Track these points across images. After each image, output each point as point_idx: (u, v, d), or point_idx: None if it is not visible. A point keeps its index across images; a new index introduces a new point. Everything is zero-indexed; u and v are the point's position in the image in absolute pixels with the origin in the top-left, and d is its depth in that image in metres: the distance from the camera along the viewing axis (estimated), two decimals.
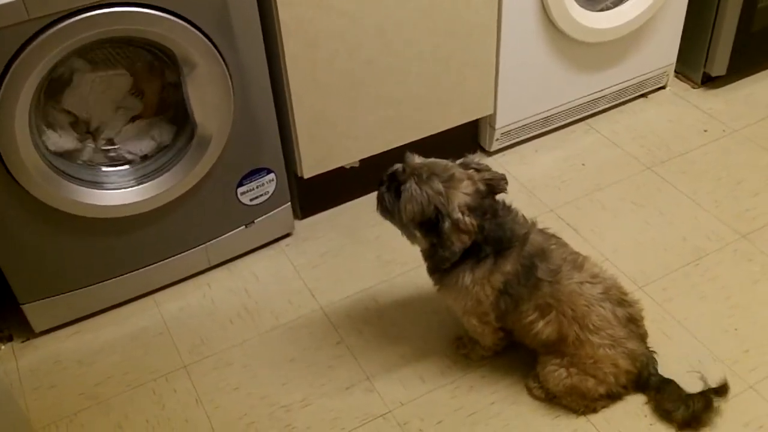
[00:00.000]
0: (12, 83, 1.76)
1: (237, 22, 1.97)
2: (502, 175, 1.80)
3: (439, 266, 1.79)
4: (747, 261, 2.28)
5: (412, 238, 1.82)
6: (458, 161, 1.80)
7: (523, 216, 1.87)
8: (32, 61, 1.75)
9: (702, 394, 1.82)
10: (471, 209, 1.72)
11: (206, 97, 2.02)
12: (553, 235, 1.89)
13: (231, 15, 1.95)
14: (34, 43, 1.74)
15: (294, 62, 2.13)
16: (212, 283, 2.34)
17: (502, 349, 2.03)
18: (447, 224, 1.71)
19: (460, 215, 1.71)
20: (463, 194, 1.72)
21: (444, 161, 1.77)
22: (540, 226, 1.89)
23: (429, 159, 1.78)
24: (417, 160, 1.78)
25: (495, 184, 1.77)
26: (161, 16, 1.84)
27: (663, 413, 1.86)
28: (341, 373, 2.07)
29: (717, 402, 1.83)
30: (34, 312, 2.15)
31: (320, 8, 2.08)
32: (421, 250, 1.88)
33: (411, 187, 1.72)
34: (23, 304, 2.12)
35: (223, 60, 1.98)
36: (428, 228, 1.75)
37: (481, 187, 1.75)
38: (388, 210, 1.80)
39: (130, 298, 2.28)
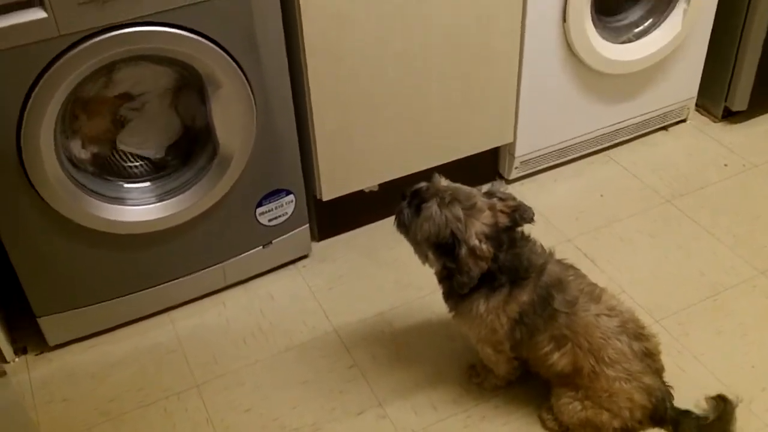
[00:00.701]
0: (39, 98, 1.78)
1: (262, 43, 1.98)
2: (528, 206, 1.79)
3: (457, 291, 1.79)
4: (765, 297, 2.27)
5: (423, 257, 1.82)
6: (484, 189, 1.80)
7: (542, 246, 1.87)
8: (60, 76, 1.77)
9: (718, 419, 1.81)
10: (488, 237, 1.73)
11: (230, 117, 2.03)
12: (571, 266, 1.89)
13: (257, 36, 1.96)
14: (63, 58, 1.75)
15: (317, 83, 2.14)
16: (228, 302, 2.34)
17: (516, 379, 2.02)
18: (464, 251, 1.71)
19: (477, 242, 1.71)
20: (481, 224, 1.72)
21: (469, 188, 1.78)
22: (557, 256, 1.88)
23: (455, 184, 1.79)
24: (443, 182, 1.78)
25: (521, 213, 1.77)
26: (189, 37, 1.86)
27: None
28: (353, 397, 2.06)
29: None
30: (50, 325, 2.15)
31: (345, 29, 2.10)
32: (436, 274, 1.88)
33: (432, 207, 1.73)
34: (39, 316, 2.13)
35: (248, 80, 2.00)
36: (442, 251, 1.75)
37: (502, 219, 1.75)
38: (404, 225, 1.80)
39: (146, 314, 2.28)
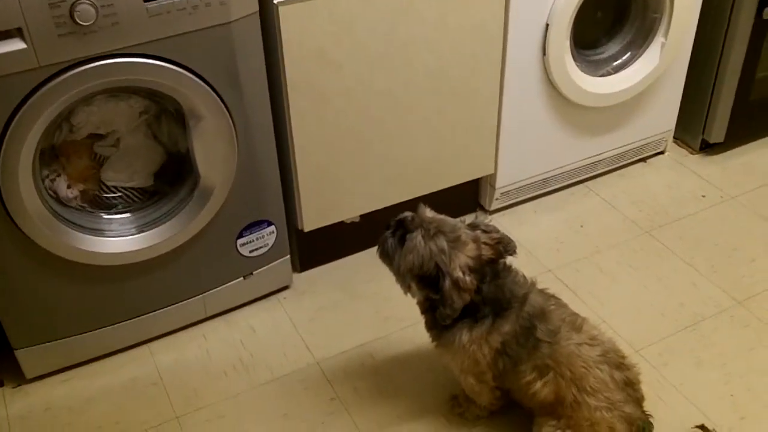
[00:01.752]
0: (18, 129, 1.77)
1: (244, 77, 1.99)
2: (511, 239, 1.80)
3: (440, 323, 1.79)
4: (743, 327, 2.28)
5: (405, 288, 1.82)
6: (468, 220, 1.81)
7: (524, 276, 1.87)
8: (39, 108, 1.77)
9: None
10: (471, 270, 1.73)
11: (211, 149, 2.04)
12: (553, 296, 1.89)
13: (239, 70, 1.97)
14: (42, 90, 1.75)
15: (300, 118, 2.15)
16: (208, 334, 2.32)
17: (498, 408, 2.02)
18: (447, 283, 1.71)
19: (461, 274, 1.71)
20: (465, 256, 1.73)
21: (454, 220, 1.78)
22: (539, 286, 1.89)
23: (440, 216, 1.79)
24: (428, 213, 1.79)
25: (504, 246, 1.78)
26: (171, 69, 1.87)
27: None
28: (335, 430, 2.04)
29: None
30: (27, 358, 2.13)
31: (328, 67, 2.11)
32: (418, 304, 1.88)
33: (416, 238, 1.73)
34: (16, 349, 2.11)
35: (229, 113, 2.00)
36: (426, 282, 1.75)
37: (486, 251, 1.76)
38: (388, 255, 1.80)
39: (125, 346, 2.27)
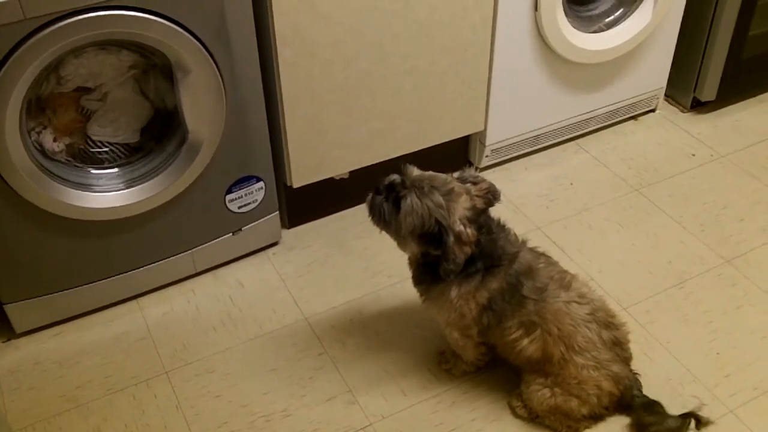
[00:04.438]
0: (4, 82, 1.75)
1: (233, 29, 1.97)
2: (496, 187, 1.80)
3: (444, 278, 1.78)
4: (730, 286, 2.30)
5: (405, 247, 1.82)
6: (455, 175, 1.80)
7: (515, 234, 1.87)
8: (25, 61, 1.75)
9: (683, 416, 1.83)
10: (470, 221, 1.73)
11: (199, 103, 2.02)
12: (543, 254, 1.90)
13: (227, 22, 1.95)
14: (28, 42, 1.73)
15: (288, 71, 2.13)
16: (197, 290, 2.33)
17: (486, 365, 2.03)
18: (450, 238, 1.71)
19: (462, 227, 1.71)
20: (462, 208, 1.72)
21: (443, 175, 1.77)
22: (529, 244, 1.89)
23: (428, 172, 1.78)
24: (416, 172, 1.77)
25: (492, 194, 1.78)
26: (157, 21, 1.84)
27: None
28: (323, 384, 2.06)
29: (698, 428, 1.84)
30: (17, 312, 2.13)
31: (317, 18, 2.09)
32: (410, 259, 1.88)
33: (412, 199, 1.72)
34: (6, 303, 2.10)
35: (217, 67, 1.98)
36: (426, 240, 1.75)
37: (478, 202, 1.76)
38: (384, 220, 1.78)
39: (114, 301, 2.27)
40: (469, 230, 1.72)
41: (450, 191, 1.73)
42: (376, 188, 1.80)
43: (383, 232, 1.82)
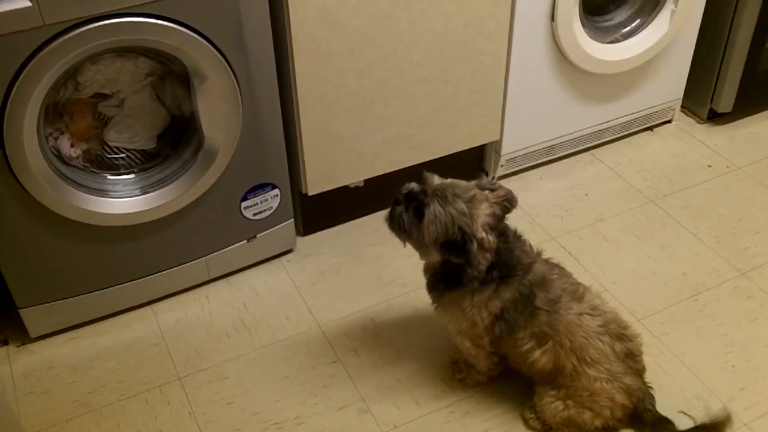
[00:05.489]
0: (23, 88, 1.76)
1: (250, 37, 1.98)
2: (513, 193, 1.80)
3: (467, 286, 1.77)
4: (746, 298, 2.28)
5: (426, 256, 1.81)
6: (473, 183, 1.80)
7: (531, 245, 1.87)
8: (44, 67, 1.76)
9: (696, 429, 1.82)
10: (491, 228, 1.73)
11: (215, 110, 2.03)
12: (557, 265, 1.89)
13: (244, 30, 1.96)
14: (47, 49, 1.74)
15: (304, 79, 2.14)
16: (211, 296, 2.33)
17: (498, 375, 2.03)
18: (474, 246, 1.70)
19: (483, 234, 1.71)
20: (484, 215, 1.72)
21: (463, 182, 1.77)
22: (544, 255, 1.88)
23: (448, 180, 1.78)
24: (436, 180, 1.77)
25: (509, 201, 1.78)
26: (175, 29, 1.85)
27: None
28: (335, 392, 2.06)
29: None
30: (32, 317, 2.14)
31: (333, 27, 2.09)
32: (425, 267, 1.88)
33: (435, 208, 1.71)
34: (21, 308, 2.12)
35: (234, 74, 1.99)
36: (448, 248, 1.74)
37: (497, 210, 1.75)
38: (405, 230, 1.77)
39: (128, 307, 2.28)
40: (490, 237, 1.71)
41: (472, 198, 1.72)
42: (395, 198, 1.79)
43: (398, 241, 1.82)
